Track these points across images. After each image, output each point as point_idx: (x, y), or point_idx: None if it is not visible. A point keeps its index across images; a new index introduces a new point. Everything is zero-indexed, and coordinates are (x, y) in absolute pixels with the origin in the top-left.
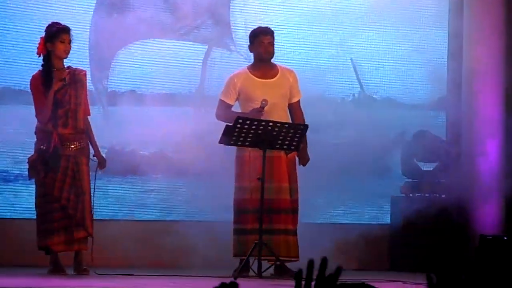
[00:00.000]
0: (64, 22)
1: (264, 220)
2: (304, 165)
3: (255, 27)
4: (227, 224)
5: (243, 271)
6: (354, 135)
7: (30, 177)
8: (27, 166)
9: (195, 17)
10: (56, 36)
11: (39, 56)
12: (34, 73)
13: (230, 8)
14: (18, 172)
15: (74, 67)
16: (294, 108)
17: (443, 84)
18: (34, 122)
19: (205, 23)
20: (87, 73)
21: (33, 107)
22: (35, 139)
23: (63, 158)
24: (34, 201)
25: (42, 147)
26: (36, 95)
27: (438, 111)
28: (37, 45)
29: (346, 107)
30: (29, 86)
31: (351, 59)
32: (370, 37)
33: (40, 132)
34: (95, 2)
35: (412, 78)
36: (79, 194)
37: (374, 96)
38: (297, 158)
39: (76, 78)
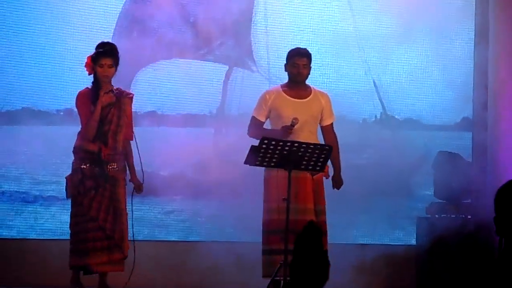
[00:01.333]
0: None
1: (290, 240)
2: (338, 188)
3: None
4: (249, 244)
5: None
6: (377, 156)
7: (68, 196)
8: (64, 185)
9: (216, 37)
10: (96, 60)
11: (89, 74)
12: (81, 89)
13: (251, 29)
14: (37, 193)
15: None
16: (327, 131)
17: (469, 104)
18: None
19: (226, 43)
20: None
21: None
22: (73, 158)
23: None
24: (54, 222)
25: (83, 166)
26: (84, 111)
27: (463, 132)
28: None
29: (369, 128)
30: (75, 102)
31: (373, 80)
32: (393, 58)
33: (81, 152)
34: (115, 22)
35: (435, 98)
36: (117, 215)
37: (396, 117)
38: (325, 179)
39: (121, 100)
